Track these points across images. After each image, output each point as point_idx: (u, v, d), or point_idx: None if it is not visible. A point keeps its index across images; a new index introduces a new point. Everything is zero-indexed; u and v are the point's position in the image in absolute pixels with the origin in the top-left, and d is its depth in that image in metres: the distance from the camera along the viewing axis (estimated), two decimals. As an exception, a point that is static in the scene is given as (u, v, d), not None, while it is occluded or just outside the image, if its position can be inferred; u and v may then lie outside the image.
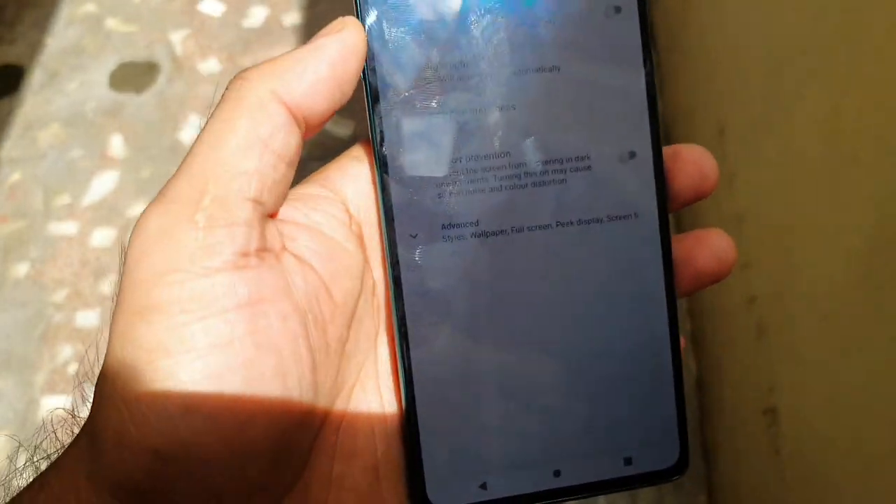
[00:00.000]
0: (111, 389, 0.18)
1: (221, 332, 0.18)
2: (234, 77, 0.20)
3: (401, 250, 0.22)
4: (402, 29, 0.22)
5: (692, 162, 0.24)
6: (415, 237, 0.23)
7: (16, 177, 1.00)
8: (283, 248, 0.20)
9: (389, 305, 0.23)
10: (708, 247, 0.24)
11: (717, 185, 0.24)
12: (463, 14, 0.22)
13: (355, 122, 0.99)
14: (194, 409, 0.17)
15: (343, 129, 0.99)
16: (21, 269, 0.93)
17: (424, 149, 0.22)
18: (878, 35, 0.42)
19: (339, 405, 0.22)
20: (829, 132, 0.49)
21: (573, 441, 0.23)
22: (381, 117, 0.22)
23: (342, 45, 0.20)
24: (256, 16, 1.12)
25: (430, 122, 0.22)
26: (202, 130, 0.20)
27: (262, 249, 0.19)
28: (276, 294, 0.19)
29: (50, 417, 0.22)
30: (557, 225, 0.23)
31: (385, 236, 0.22)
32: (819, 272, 0.50)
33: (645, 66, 0.24)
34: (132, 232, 0.19)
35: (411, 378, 0.22)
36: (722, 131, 0.71)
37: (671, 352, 0.24)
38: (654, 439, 0.24)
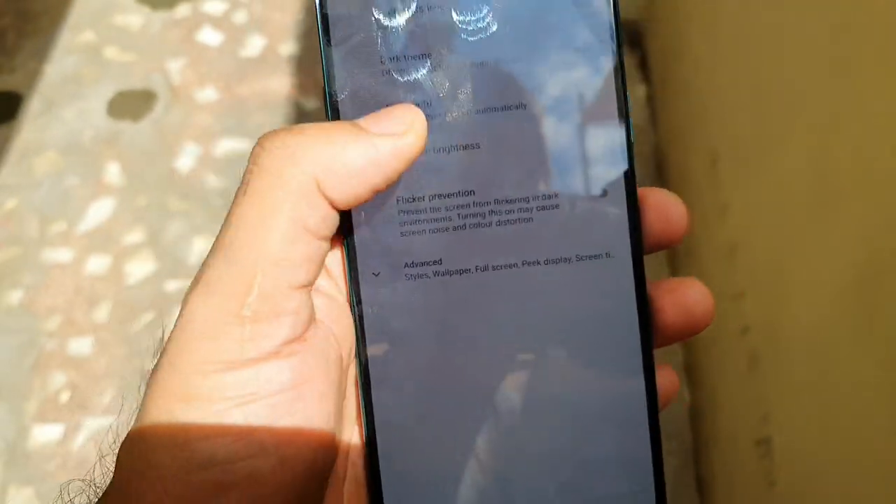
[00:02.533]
0: (145, 466, 0.18)
1: (261, 415, 0.18)
2: (272, 139, 0.20)
3: (363, 288, 0.22)
4: (367, 68, 0.22)
5: (657, 207, 0.23)
6: (377, 275, 0.22)
7: (11, 204, 1.00)
8: (315, 316, 0.20)
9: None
10: (680, 298, 0.23)
11: (687, 229, 0.23)
12: (428, 52, 0.22)
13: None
14: (230, 487, 0.18)
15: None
16: (14, 297, 0.93)
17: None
18: (867, 68, 0.43)
19: (342, 454, 0.22)
20: (819, 164, 0.49)
21: (537, 490, 0.22)
22: None
23: (398, 152, 0.20)
24: (254, 45, 1.14)
25: None
26: (241, 203, 0.19)
27: (307, 332, 0.20)
28: (317, 372, 0.20)
29: (67, 488, 0.22)
30: (524, 264, 0.22)
31: (348, 274, 0.22)
32: (812, 302, 0.51)
33: (618, 102, 0.23)
34: (178, 320, 0.19)
35: (372, 418, 0.22)
36: (715, 162, 0.71)
37: (646, 401, 0.22)
38: (630, 492, 0.22)
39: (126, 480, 0.18)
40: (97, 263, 0.95)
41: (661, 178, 0.94)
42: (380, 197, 0.21)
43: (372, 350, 0.22)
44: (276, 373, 0.19)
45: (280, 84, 1.09)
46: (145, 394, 0.19)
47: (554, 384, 0.22)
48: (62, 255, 0.96)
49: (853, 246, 0.45)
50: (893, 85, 0.40)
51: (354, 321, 0.22)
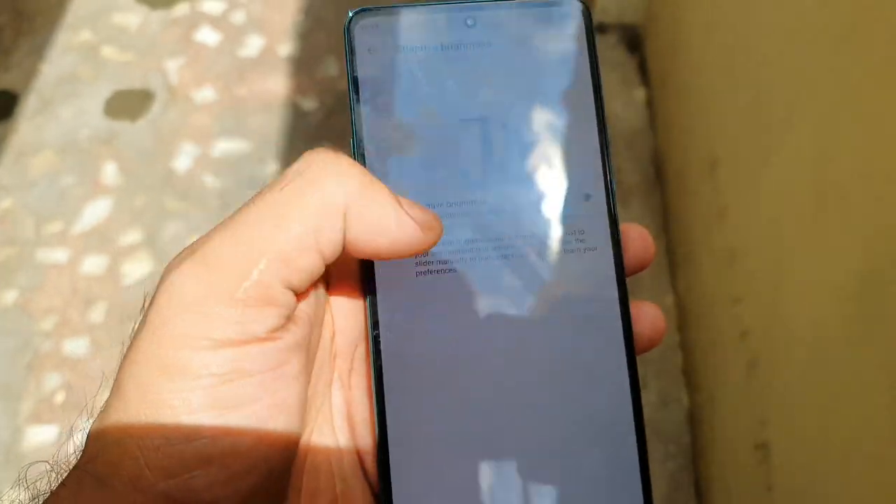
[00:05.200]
0: (123, 435, 0.18)
1: (245, 393, 0.19)
2: (327, 153, 0.21)
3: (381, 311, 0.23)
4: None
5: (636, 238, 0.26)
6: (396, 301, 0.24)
7: (7, 203, 0.99)
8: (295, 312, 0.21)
9: (368, 360, 0.24)
10: (644, 316, 0.25)
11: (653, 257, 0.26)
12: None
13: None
14: (212, 460, 0.18)
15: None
16: (9, 297, 0.93)
17: None
18: (867, 73, 0.43)
19: (303, 447, 0.22)
20: (819, 168, 0.49)
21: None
22: None
23: (412, 238, 0.21)
24: (252, 45, 1.13)
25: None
26: (274, 192, 0.20)
27: (290, 320, 0.20)
28: (296, 356, 0.20)
29: (26, 472, 0.22)
30: (524, 293, 0.24)
31: (367, 298, 0.24)
32: (810, 307, 0.50)
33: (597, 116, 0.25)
34: (162, 285, 0.19)
35: (385, 431, 0.23)
36: (714, 166, 0.71)
37: (633, 415, 0.24)
38: None
39: (100, 451, 0.18)
40: (93, 264, 0.95)
41: (660, 182, 0.94)
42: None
43: (388, 372, 0.23)
44: (259, 355, 0.19)
45: (279, 84, 1.09)
46: (122, 364, 0.19)
47: (550, 406, 0.24)
48: (58, 255, 0.96)
49: (852, 250, 0.44)
50: (894, 88, 0.40)
51: (371, 344, 0.23)
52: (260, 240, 0.19)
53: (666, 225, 0.88)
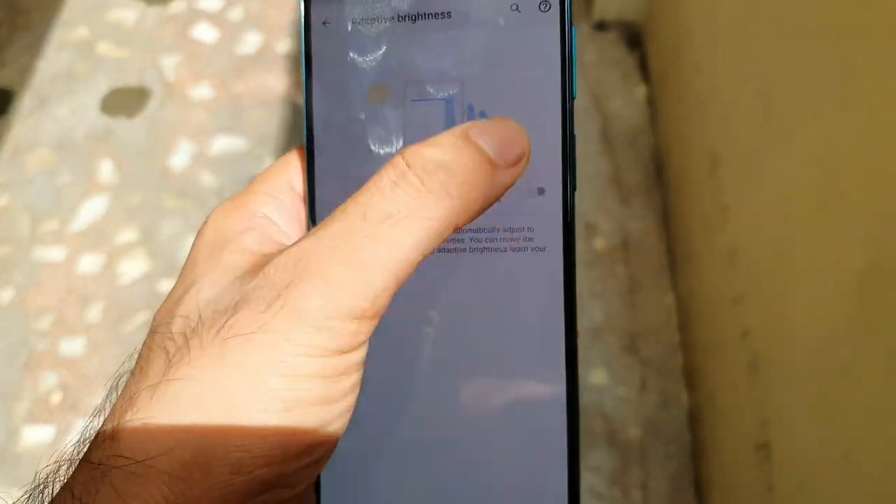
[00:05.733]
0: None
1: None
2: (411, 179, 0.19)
3: None
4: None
5: None
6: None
7: (2, 201, 0.99)
8: None
9: None
10: None
11: None
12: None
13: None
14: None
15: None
16: (5, 296, 0.92)
17: None
18: (868, 71, 0.42)
19: None
20: (821, 167, 0.49)
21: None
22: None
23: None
24: (250, 42, 1.13)
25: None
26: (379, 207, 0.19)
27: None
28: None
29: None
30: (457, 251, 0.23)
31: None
32: (812, 306, 0.50)
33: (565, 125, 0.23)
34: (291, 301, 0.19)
35: None
36: (715, 164, 0.71)
37: (566, 408, 0.23)
38: None
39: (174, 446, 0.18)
40: (90, 262, 0.94)
41: (661, 181, 0.93)
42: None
43: None
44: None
45: (276, 81, 1.08)
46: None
47: (484, 397, 0.23)
48: (54, 253, 0.95)
49: (855, 250, 0.44)
50: (895, 86, 0.40)
51: None
52: (380, 267, 0.19)
53: (667, 224, 0.88)
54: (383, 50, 0.23)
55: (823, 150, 0.49)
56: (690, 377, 0.80)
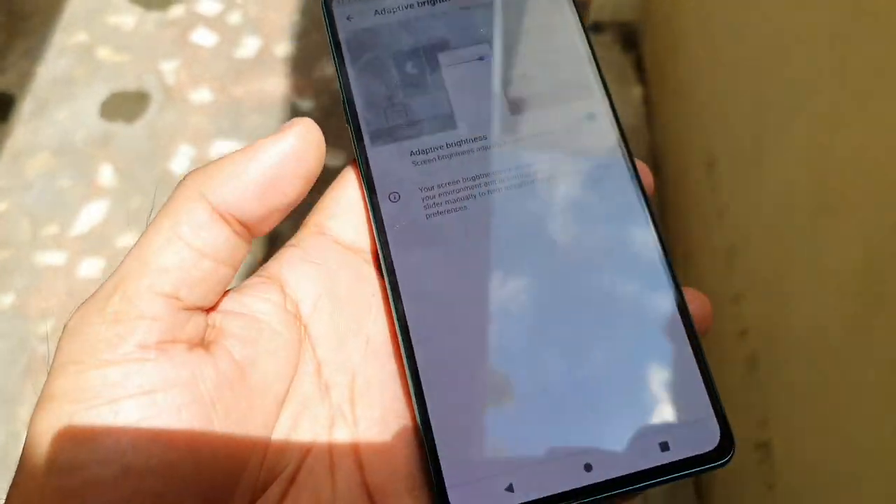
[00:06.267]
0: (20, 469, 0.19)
1: (105, 419, 0.18)
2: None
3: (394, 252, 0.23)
4: (371, 71, 0.25)
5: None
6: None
7: (2, 206, 0.99)
8: (203, 338, 0.21)
9: (391, 316, 0.23)
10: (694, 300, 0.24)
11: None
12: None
13: (346, 154, 0.99)
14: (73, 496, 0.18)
15: (335, 160, 0.99)
16: (5, 300, 0.92)
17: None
18: (866, 70, 0.43)
19: (276, 490, 0.21)
20: (818, 166, 0.49)
21: (602, 432, 0.22)
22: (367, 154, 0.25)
23: (281, 148, 0.21)
24: (249, 46, 1.13)
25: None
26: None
27: (167, 342, 0.19)
28: (171, 386, 0.19)
29: None
30: (554, 213, 0.24)
31: (379, 247, 0.23)
32: (811, 305, 0.50)
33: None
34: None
35: (419, 381, 0.22)
36: (712, 164, 0.71)
37: (683, 325, 0.23)
38: (689, 420, 0.22)
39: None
40: (90, 266, 0.95)
41: (658, 180, 0.93)
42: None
43: (411, 313, 0.23)
44: (124, 376, 0.19)
45: (275, 85, 1.09)
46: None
47: (597, 319, 0.23)
48: (55, 257, 0.95)
49: (853, 248, 0.44)
50: (893, 86, 0.40)
51: (388, 289, 0.23)
52: (126, 261, 0.20)
53: (664, 223, 0.88)
54: (407, 34, 0.25)
55: (821, 148, 0.49)
56: (690, 376, 0.80)
